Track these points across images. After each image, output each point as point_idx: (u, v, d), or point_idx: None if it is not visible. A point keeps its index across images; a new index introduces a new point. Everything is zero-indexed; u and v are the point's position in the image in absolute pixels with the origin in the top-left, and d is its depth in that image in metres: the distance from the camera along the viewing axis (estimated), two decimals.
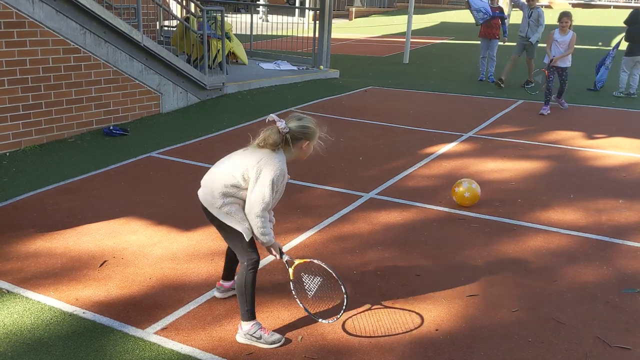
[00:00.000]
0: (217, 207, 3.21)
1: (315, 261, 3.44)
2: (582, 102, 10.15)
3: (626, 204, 5.53)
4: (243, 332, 3.30)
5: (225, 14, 9.67)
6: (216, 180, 3.23)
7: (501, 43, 12.09)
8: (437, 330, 3.48)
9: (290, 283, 3.49)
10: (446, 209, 5.31)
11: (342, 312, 3.41)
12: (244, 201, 3.18)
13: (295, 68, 12.22)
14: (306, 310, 3.53)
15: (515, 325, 3.54)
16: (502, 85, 11.51)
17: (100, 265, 4.15)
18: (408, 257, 4.40)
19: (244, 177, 3.15)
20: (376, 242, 4.64)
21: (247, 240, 3.23)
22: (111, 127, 7.51)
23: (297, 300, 3.52)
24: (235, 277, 3.40)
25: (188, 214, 5.05)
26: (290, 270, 3.46)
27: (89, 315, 3.56)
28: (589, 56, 14.97)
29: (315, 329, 3.46)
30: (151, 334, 3.38)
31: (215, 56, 9.70)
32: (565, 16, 9.08)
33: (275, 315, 3.60)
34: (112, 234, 4.66)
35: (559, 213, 5.27)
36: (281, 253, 3.38)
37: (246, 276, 3.26)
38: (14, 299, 3.72)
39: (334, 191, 5.73)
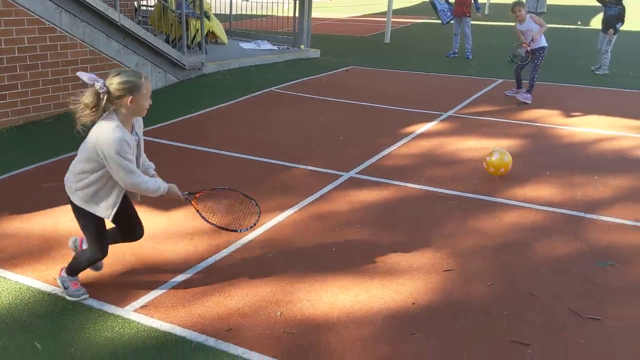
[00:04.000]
0: (72, 192, 3.30)
1: (218, 188, 3.58)
2: (558, 81, 10.24)
3: (601, 180, 5.62)
4: (60, 276, 3.51)
5: None
6: (68, 173, 3.35)
7: (480, 15, 12.46)
8: (414, 304, 3.54)
9: (197, 212, 3.53)
10: (425, 187, 5.36)
11: (256, 220, 3.61)
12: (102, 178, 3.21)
13: (275, 48, 12.14)
14: (218, 226, 3.59)
15: (491, 299, 3.61)
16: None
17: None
18: (386, 234, 4.45)
19: (93, 158, 3.15)
20: (355, 220, 4.68)
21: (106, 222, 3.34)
22: None
23: (205, 221, 3.55)
24: (84, 248, 3.58)
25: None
26: (194, 203, 3.53)
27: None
28: (571, 35, 15.09)
29: (294, 305, 3.50)
30: (130, 312, 3.39)
31: (194, 36, 9.60)
32: (515, 6, 8.41)
33: (255, 292, 3.63)
34: None
35: (535, 190, 5.35)
36: (184, 193, 3.46)
37: (88, 257, 3.44)
38: None
39: (314, 171, 5.74)
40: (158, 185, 3.30)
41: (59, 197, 4.92)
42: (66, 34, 7.18)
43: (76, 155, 3.30)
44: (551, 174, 5.75)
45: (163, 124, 7.15)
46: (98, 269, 3.79)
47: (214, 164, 5.78)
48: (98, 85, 3.01)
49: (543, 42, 8.51)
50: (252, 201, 3.66)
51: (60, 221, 4.50)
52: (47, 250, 4.07)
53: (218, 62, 10.10)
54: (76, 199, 3.30)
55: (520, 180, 5.58)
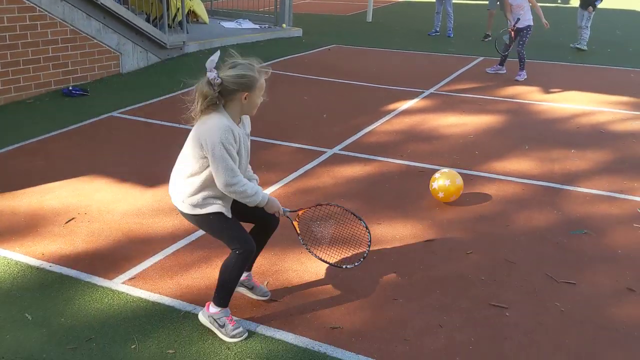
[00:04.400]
0: (181, 202, 2.93)
1: (323, 204, 3.14)
2: (539, 58, 10.36)
3: (578, 153, 5.76)
4: (208, 313, 3.02)
5: None
6: (176, 178, 2.95)
7: None
8: (396, 272, 3.64)
9: (299, 237, 3.19)
10: (406, 162, 5.46)
11: (367, 249, 3.20)
12: (209, 181, 2.85)
13: (257, 27, 12.10)
14: (324, 260, 3.24)
15: (470, 266, 3.73)
16: (490, 37, 11.95)
17: (67, 222, 4.18)
18: (370, 207, 4.54)
19: (200, 157, 2.82)
20: (339, 194, 4.77)
21: (229, 216, 2.94)
22: (70, 88, 7.39)
23: (311, 253, 3.20)
24: (225, 260, 3.01)
25: (152, 171, 5.07)
26: (295, 224, 3.16)
27: (56, 268, 3.61)
28: (550, 13, 15.17)
29: (280, 275, 3.59)
30: (119, 284, 3.46)
31: (175, 15, 9.54)
32: None
33: None
34: (76, 192, 4.67)
35: (514, 163, 5.48)
36: (283, 210, 3.07)
37: (231, 262, 2.95)
38: None
39: (299, 147, 5.81)
40: (256, 191, 2.87)
41: (42, 176, 4.95)
42: (46, 12, 7.12)
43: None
44: (530, 148, 5.88)
45: (147, 102, 7.15)
46: (261, 293, 3.30)
47: None
48: (211, 75, 2.71)
49: (529, 21, 8.57)
50: (362, 222, 3.20)
51: (45, 198, 4.52)
52: (33, 227, 4.10)
53: (200, 41, 10.05)
54: (186, 208, 2.90)
55: (500, 154, 5.70)
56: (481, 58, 10.37)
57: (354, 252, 3.64)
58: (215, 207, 2.90)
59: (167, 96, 7.45)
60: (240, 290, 3.30)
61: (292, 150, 5.74)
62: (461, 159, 5.56)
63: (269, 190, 4.77)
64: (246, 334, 3.00)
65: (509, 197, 4.77)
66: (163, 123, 6.37)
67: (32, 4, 6.94)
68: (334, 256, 3.55)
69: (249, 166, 3.09)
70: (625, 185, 5.02)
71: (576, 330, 3.14)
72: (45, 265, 3.64)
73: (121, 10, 8.03)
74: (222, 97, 2.76)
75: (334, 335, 3.04)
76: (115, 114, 6.72)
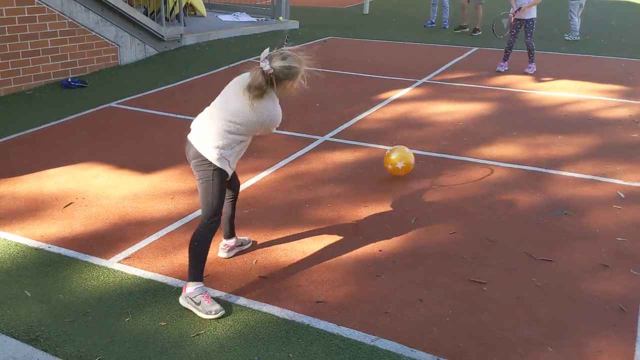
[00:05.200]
0: (210, 149, 3.13)
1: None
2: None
3: (565, 139, 5.89)
4: (185, 293, 3.18)
5: None
6: (213, 127, 3.15)
7: None
8: (380, 251, 3.79)
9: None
10: None
11: None
12: (243, 145, 3.24)
13: (254, 20, 12.22)
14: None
15: (452, 245, 3.88)
16: (465, 28, 12.01)
17: (66, 206, 4.33)
18: (358, 191, 4.68)
19: (255, 131, 3.19)
20: (329, 179, 4.91)
21: (229, 172, 3.23)
22: (69, 79, 7.53)
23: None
24: (193, 234, 3.24)
25: (148, 159, 5.22)
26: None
27: (55, 249, 3.76)
28: (546, 3, 15.23)
29: (269, 254, 3.74)
30: (115, 263, 3.61)
31: (173, 8, 9.66)
32: None
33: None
34: (74, 179, 4.82)
35: (501, 149, 5.61)
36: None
37: (202, 232, 3.20)
38: None
39: (290, 135, 5.95)
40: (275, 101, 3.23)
41: (42, 163, 5.11)
42: (44, 5, 7.25)
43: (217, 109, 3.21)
44: (518, 135, 6.01)
45: (144, 93, 7.29)
46: (248, 241, 3.79)
47: None
48: (266, 67, 3.00)
49: (533, 13, 8.47)
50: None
51: (45, 184, 4.68)
52: (33, 211, 4.26)
53: (197, 33, 10.18)
54: (212, 156, 3.13)
55: (488, 140, 5.84)
56: (475, 48, 10.48)
57: None
58: (226, 166, 3.20)
59: (163, 87, 7.59)
60: (236, 251, 3.74)
61: (283, 137, 5.88)
62: (450, 144, 5.70)
63: (260, 176, 4.92)
64: (223, 312, 3.13)
65: (495, 180, 4.91)
66: (159, 113, 6.51)
67: None
68: None
69: None
70: (608, 169, 5.15)
71: (551, 303, 3.28)
72: (45, 246, 3.79)
73: (119, 3, 8.16)
74: (271, 84, 3.07)
75: (317, 308, 3.19)
76: (113, 104, 6.86)
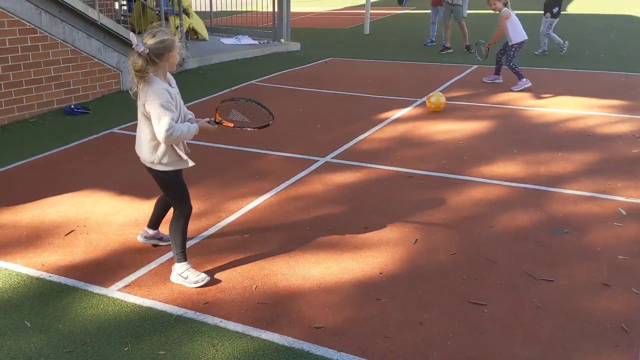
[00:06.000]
0: (155, 163, 3.52)
1: (241, 100, 3.78)
2: (532, 65, 10.51)
3: (565, 156, 5.89)
4: (176, 272, 3.68)
5: None
6: (142, 139, 3.52)
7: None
8: (381, 273, 3.79)
9: (228, 127, 3.75)
10: (396, 169, 5.61)
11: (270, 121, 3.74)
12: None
13: (256, 42, 12.34)
14: (248, 128, 3.79)
15: (452, 266, 3.87)
16: (450, 50, 12.08)
17: (67, 234, 4.35)
18: (358, 212, 4.69)
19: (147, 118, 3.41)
20: (329, 200, 4.92)
21: (188, 166, 3.59)
22: (72, 106, 7.61)
23: (245, 128, 3.78)
24: (170, 223, 3.72)
25: (149, 184, 5.17)
26: (225, 123, 3.75)
27: (55, 278, 3.78)
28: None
29: (269, 279, 3.74)
30: (114, 291, 3.62)
31: (174, 33, 9.78)
32: None
33: (232, 269, 3.86)
34: (76, 206, 4.85)
35: (501, 167, 5.62)
36: (212, 121, 3.65)
37: (177, 222, 3.66)
38: None
39: (291, 157, 5.98)
40: (188, 127, 3.45)
41: (44, 191, 5.14)
42: (47, 34, 7.36)
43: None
44: (518, 152, 6.02)
45: None
46: (167, 238, 4.01)
47: (198, 154, 5.97)
48: (140, 48, 3.20)
49: (513, 39, 8.58)
50: (265, 109, 3.76)
51: (47, 212, 4.71)
52: (34, 239, 4.28)
53: (199, 57, 10.29)
54: (160, 167, 3.54)
55: (488, 158, 5.85)
56: (475, 66, 10.53)
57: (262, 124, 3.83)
58: (179, 165, 3.57)
59: None
60: (151, 242, 4.13)
61: (284, 159, 5.91)
62: (450, 164, 5.71)
63: (261, 199, 4.93)
64: (208, 279, 3.66)
65: (495, 199, 4.91)
66: None
67: (33, 26, 7.19)
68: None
69: (185, 109, 3.63)
70: (608, 185, 5.14)
71: (551, 323, 3.26)
72: (45, 275, 3.81)
73: (120, 29, 8.27)
74: (151, 64, 3.26)
75: (317, 334, 3.18)
76: (115, 130, 6.92)
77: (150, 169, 3.63)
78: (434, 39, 13.06)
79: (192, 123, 3.54)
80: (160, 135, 3.35)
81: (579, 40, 13.31)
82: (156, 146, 3.48)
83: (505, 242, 4.20)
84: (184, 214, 3.68)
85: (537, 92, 8.54)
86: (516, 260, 3.94)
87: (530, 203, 4.83)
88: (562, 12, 11.49)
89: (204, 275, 3.67)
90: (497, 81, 9.12)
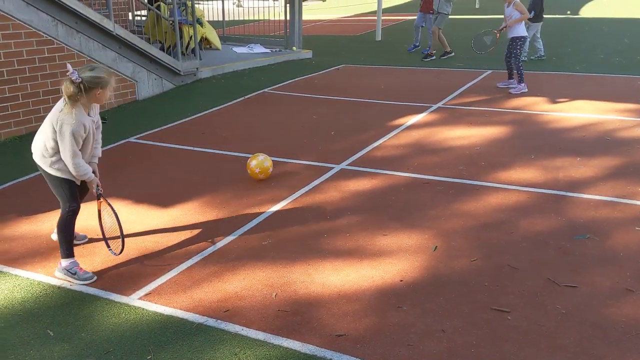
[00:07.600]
0: (48, 166, 3.76)
1: (110, 207, 4.03)
2: (547, 69, 10.46)
3: (583, 161, 5.84)
4: (61, 267, 3.85)
5: (197, 1, 9.80)
6: (39, 142, 3.77)
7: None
8: (401, 281, 3.76)
9: (97, 211, 4.16)
10: (413, 175, 5.59)
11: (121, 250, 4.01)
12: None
13: (268, 51, 12.39)
14: (104, 237, 4.18)
15: (473, 273, 3.84)
16: (451, 54, 12.18)
17: (86, 243, 4.38)
18: (376, 219, 4.67)
19: (54, 130, 3.62)
20: (346, 208, 4.91)
21: (77, 183, 3.86)
22: None
23: (99, 225, 4.18)
24: (58, 220, 3.92)
25: (166, 192, 5.28)
26: (98, 203, 4.12)
27: (76, 287, 3.79)
28: (561, 24, 15.28)
29: (288, 287, 3.73)
30: (135, 300, 3.63)
31: (188, 42, 9.84)
32: None
33: (251, 277, 3.86)
34: (94, 215, 4.85)
35: (519, 172, 5.58)
36: (98, 188, 3.97)
37: (65, 219, 3.86)
38: (4, 278, 3.94)
39: (307, 164, 5.98)
40: (86, 172, 3.80)
41: None
42: (63, 45, 7.44)
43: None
44: (536, 157, 5.98)
45: (162, 127, 7.40)
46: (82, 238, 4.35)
47: (214, 163, 6.02)
48: (74, 76, 3.49)
49: (521, 32, 8.64)
50: (121, 236, 4.01)
51: None
52: (54, 249, 4.29)
53: (212, 66, 10.34)
54: (53, 171, 3.78)
55: (506, 164, 5.81)
56: (489, 71, 10.50)
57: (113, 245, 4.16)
58: (68, 175, 3.79)
59: (180, 121, 7.69)
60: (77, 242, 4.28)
61: (300, 167, 5.91)
62: (467, 170, 5.68)
63: (278, 206, 4.93)
64: (95, 278, 3.84)
65: (513, 205, 4.87)
66: (177, 146, 6.59)
67: (50, 37, 7.27)
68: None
69: (99, 140, 4.03)
70: (628, 190, 5.09)
71: (575, 331, 3.22)
72: (66, 284, 3.83)
73: (135, 40, 8.34)
74: (82, 93, 3.53)
75: (339, 342, 3.17)
76: (131, 139, 6.97)
77: (40, 168, 3.85)
78: (418, 44, 13.12)
79: (94, 168, 3.99)
80: (67, 160, 3.68)
81: (593, 44, 13.23)
82: (55, 154, 3.72)
83: (526, 248, 4.16)
84: (73, 209, 3.87)
85: (553, 96, 8.49)
86: (538, 267, 3.90)
87: (550, 208, 4.78)
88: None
89: (91, 274, 3.86)
90: (511, 85, 9.04)
